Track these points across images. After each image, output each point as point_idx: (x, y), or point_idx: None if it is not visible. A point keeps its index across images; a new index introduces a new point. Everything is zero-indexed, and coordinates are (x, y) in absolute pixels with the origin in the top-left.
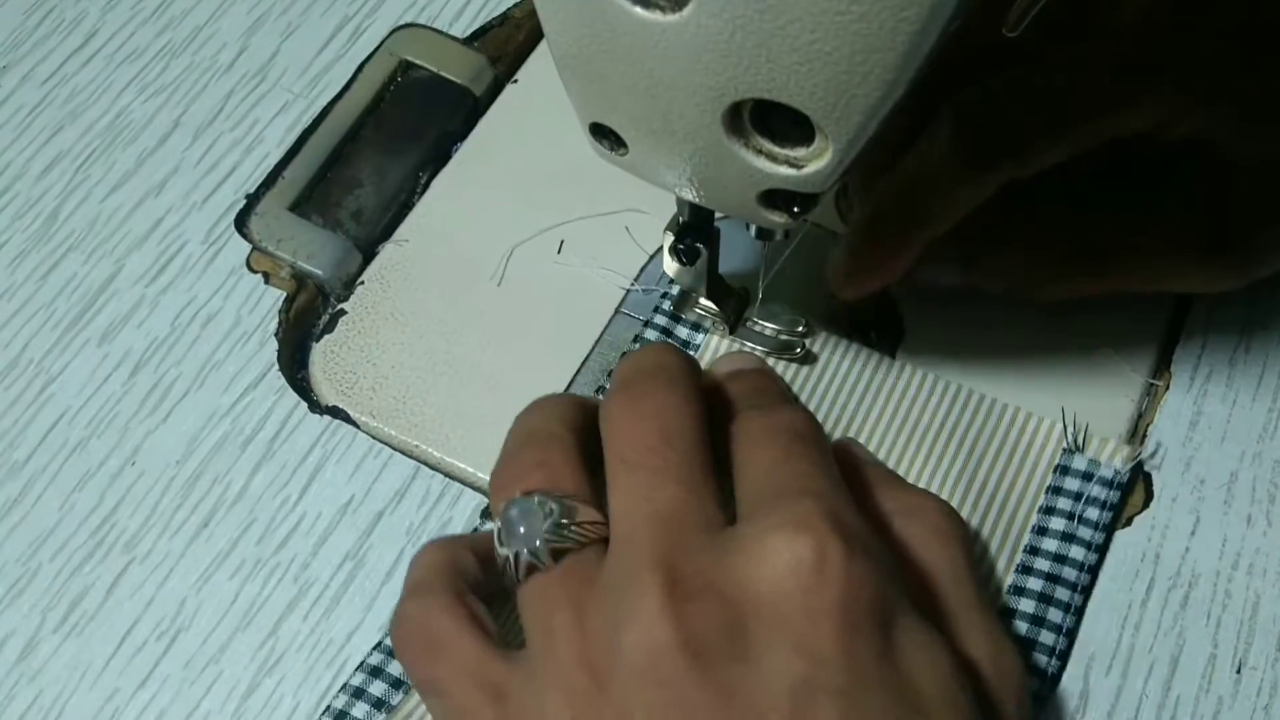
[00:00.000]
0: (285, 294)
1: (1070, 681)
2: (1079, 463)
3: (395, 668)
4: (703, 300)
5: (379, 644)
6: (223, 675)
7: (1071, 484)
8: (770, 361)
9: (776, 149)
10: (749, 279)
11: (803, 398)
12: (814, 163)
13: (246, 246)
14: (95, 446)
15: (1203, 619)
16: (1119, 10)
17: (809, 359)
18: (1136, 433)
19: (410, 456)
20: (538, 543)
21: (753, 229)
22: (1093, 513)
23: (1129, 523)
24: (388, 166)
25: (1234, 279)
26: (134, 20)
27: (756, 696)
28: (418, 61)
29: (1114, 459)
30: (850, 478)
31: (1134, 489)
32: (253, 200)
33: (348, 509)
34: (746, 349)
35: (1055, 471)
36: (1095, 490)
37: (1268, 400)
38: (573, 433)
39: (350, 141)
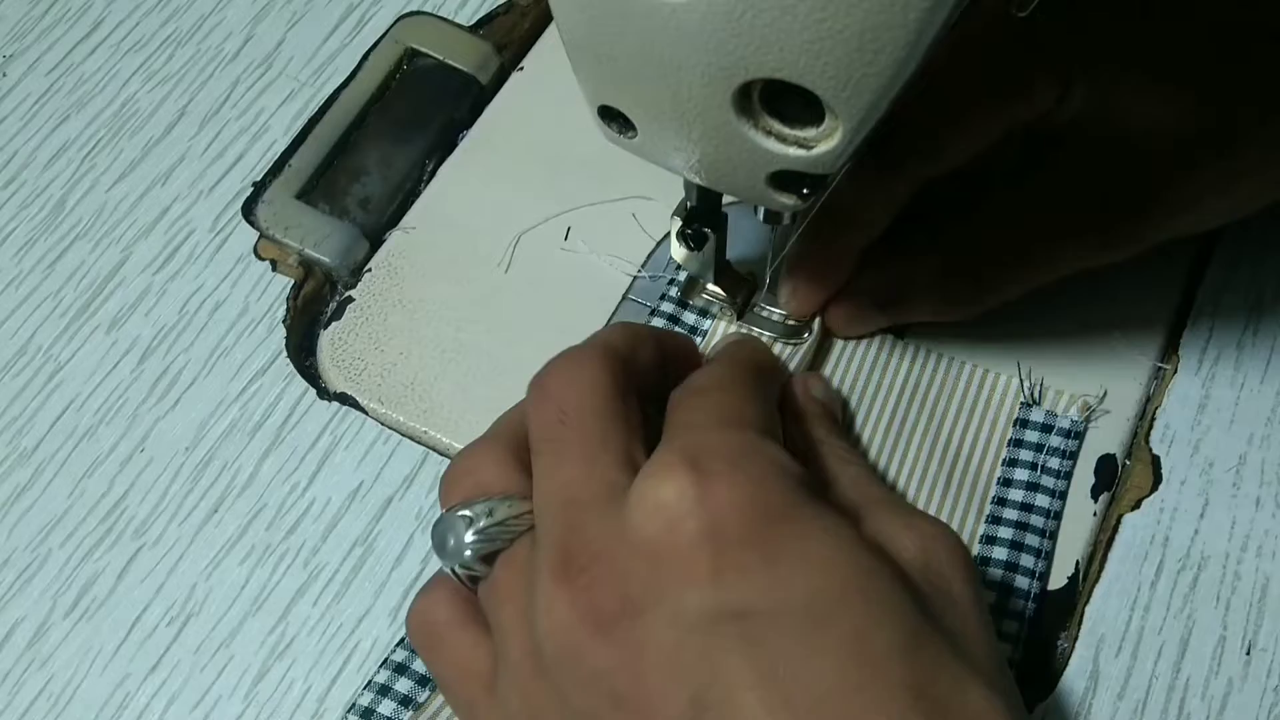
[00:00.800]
0: (293, 281)
1: (1079, 663)
2: (1037, 415)
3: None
4: (710, 286)
5: (403, 640)
6: (233, 660)
7: (1031, 435)
8: (777, 347)
9: (786, 130)
10: (756, 264)
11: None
12: (824, 143)
13: (254, 234)
14: (104, 433)
15: (1212, 601)
16: None
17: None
18: (1145, 416)
19: (419, 442)
20: (466, 553)
21: (761, 212)
22: (1054, 462)
23: (1137, 505)
24: (394, 154)
25: (1120, 254)
26: (139, 9)
27: (662, 645)
28: (423, 49)
29: (1070, 410)
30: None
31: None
32: (260, 188)
33: (357, 495)
34: (754, 334)
35: (1015, 425)
36: (1055, 440)
37: (1276, 383)
38: (508, 431)
39: (356, 129)
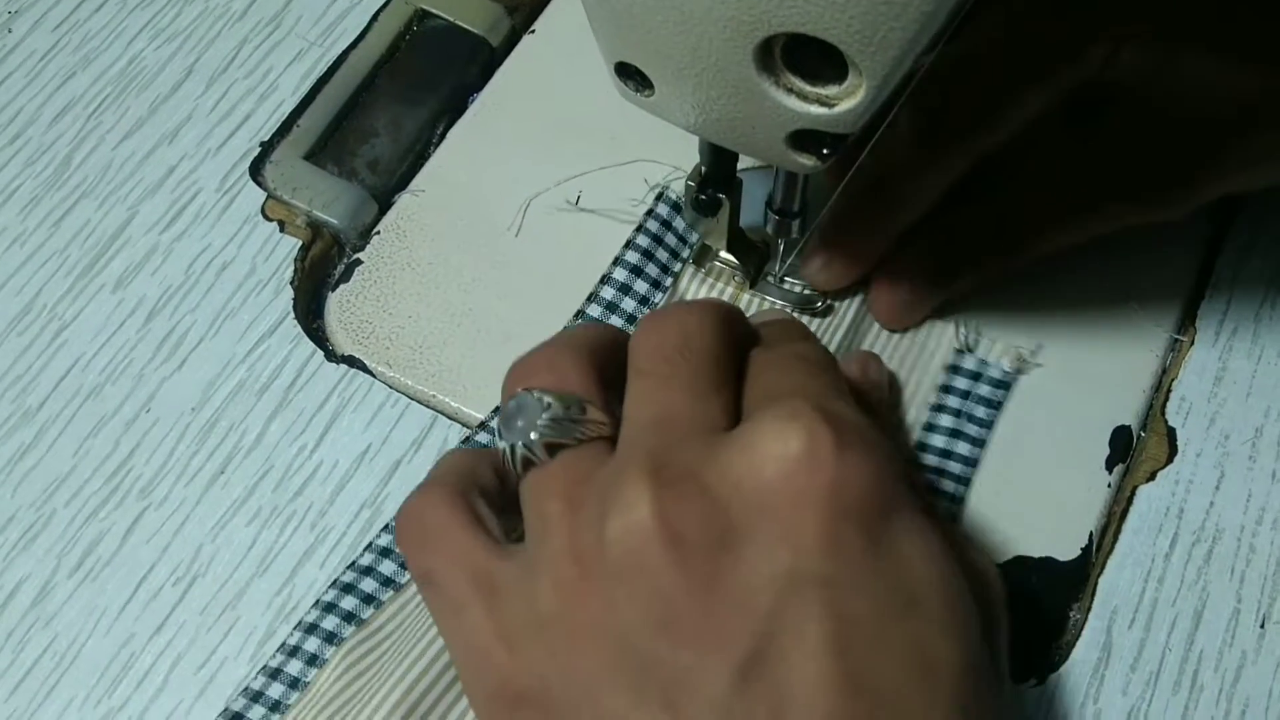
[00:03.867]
0: (301, 243)
1: (1092, 634)
2: (969, 362)
3: (329, 622)
4: (722, 254)
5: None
6: (240, 621)
7: (961, 383)
8: (949, 365)
9: (808, 87)
10: (768, 232)
11: None
12: (846, 101)
13: (261, 194)
14: (110, 393)
15: (1226, 573)
16: None
17: (829, 311)
18: (1160, 387)
19: (427, 406)
20: (533, 435)
21: (780, 179)
22: (980, 410)
23: (1152, 477)
24: (403, 116)
25: (1176, 212)
26: None
27: (737, 587)
28: (434, 10)
29: (1001, 360)
30: None
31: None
32: (267, 148)
33: (365, 457)
34: (767, 303)
35: (947, 371)
36: (983, 389)
37: None
38: (590, 346)
39: (365, 91)
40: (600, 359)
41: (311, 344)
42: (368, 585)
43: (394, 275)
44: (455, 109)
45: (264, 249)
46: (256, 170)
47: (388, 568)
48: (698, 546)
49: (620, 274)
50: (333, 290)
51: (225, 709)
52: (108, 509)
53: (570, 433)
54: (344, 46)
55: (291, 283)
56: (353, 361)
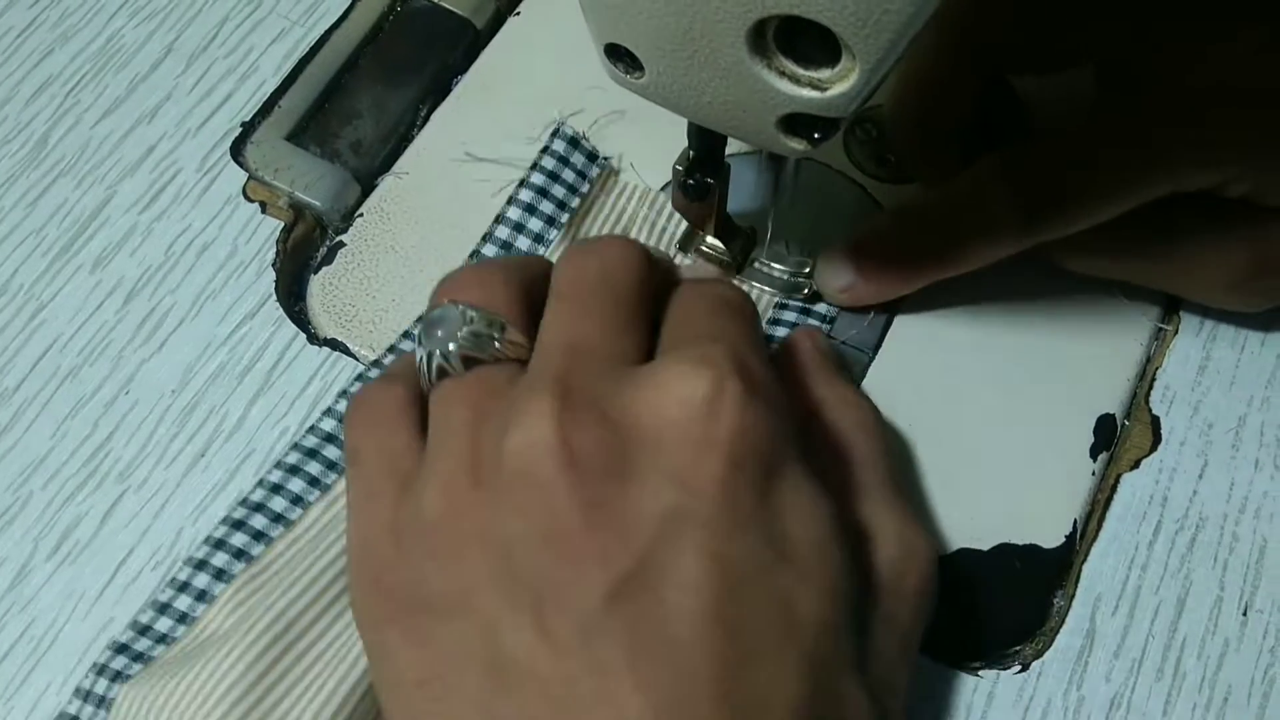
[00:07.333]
0: (282, 224)
1: (1076, 621)
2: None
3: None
4: (709, 239)
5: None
6: None
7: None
8: (777, 302)
9: (800, 71)
10: (756, 218)
11: None
12: (839, 85)
13: (242, 175)
14: (88, 374)
15: (1209, 562)
16: (1192, 73)
17: (816, 299)
18: (1145, 376)
19: None
20: (451, 346)
21: (763, 157)
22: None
23: (1136, 465)
24: (387, 98)
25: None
26: None
27: (621, 516)
28: None
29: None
30: (791, 361)
31: None
32: (249, 129)
33: None
34: (754, 289)
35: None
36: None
37: (1277, 346)
38: (522, 271)
39: (348, 72)
40: (530, 286)
41: (294, 327)
42: (258, 521)
43: (377, 258)
44: (439, 91)
45: (245, 230)
46: (237, 151)
47: (279, 504)
48: (591, 470)
49: (514, 213)
50: (315, 273)
51: (113, 640)
52: (86, 491)
53: (487, 349)
54: (326, 26)
55: (273, 265)
56: (335, 345)
